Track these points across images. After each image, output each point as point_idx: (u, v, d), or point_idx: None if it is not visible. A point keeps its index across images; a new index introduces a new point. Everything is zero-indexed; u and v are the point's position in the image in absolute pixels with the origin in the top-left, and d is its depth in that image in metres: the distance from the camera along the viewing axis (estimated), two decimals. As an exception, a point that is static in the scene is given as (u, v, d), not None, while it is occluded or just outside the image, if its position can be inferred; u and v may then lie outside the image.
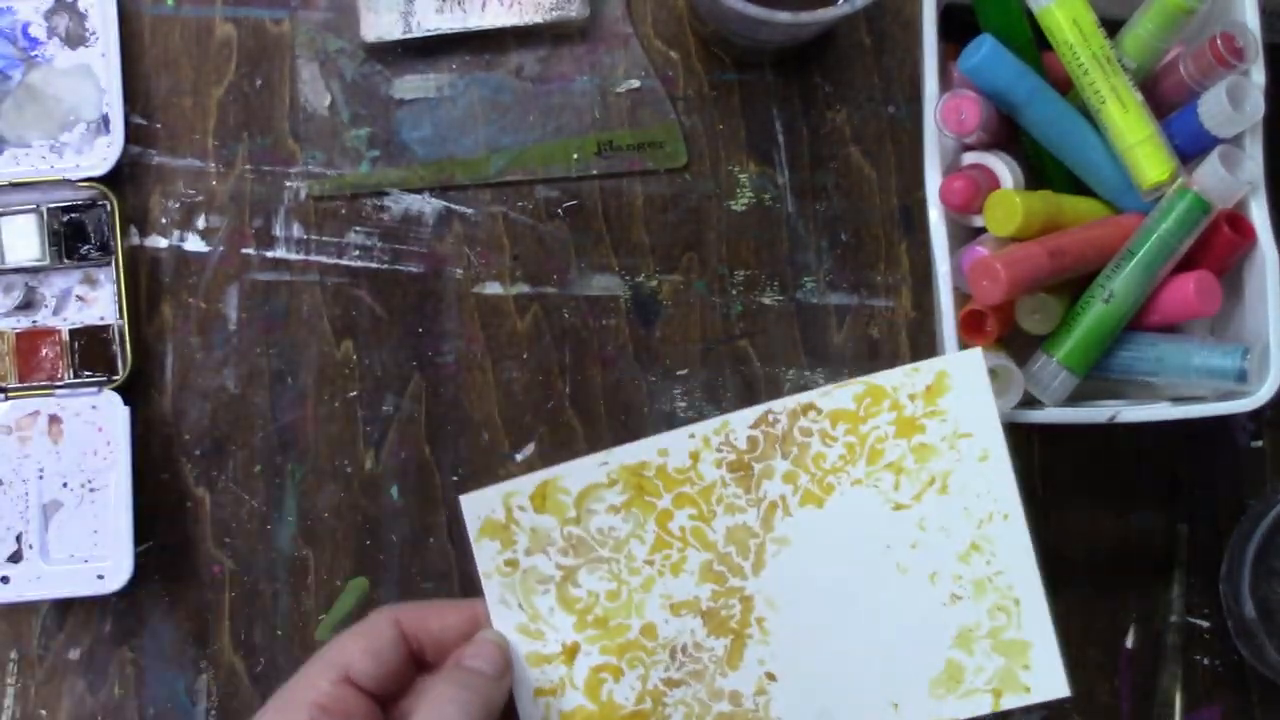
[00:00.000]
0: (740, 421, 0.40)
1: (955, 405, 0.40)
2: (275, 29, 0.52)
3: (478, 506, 0.41)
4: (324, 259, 0.52)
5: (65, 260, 0.51)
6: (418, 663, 0.41)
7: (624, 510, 0.40)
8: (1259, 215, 0.47)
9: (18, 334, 0.51)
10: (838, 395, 0.40)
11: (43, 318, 0.51)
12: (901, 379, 0.40)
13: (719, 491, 0.40)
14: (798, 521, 0.40)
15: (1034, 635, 0.39)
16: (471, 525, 0.41)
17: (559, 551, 0.40)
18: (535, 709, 0.40)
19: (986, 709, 0.39)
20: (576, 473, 0.41)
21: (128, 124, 0.50)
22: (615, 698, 0.40)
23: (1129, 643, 0.54)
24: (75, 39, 0.51)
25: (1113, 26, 0.47)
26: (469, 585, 0.53)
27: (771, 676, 0.40)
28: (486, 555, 0.41)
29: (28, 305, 0.51)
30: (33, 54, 0.51)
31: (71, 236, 0.51)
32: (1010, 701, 0.39)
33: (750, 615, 0.40)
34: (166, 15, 0.52)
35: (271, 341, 0.52)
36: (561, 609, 0.40)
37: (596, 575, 0.40)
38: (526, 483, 0.41)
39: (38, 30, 0.51)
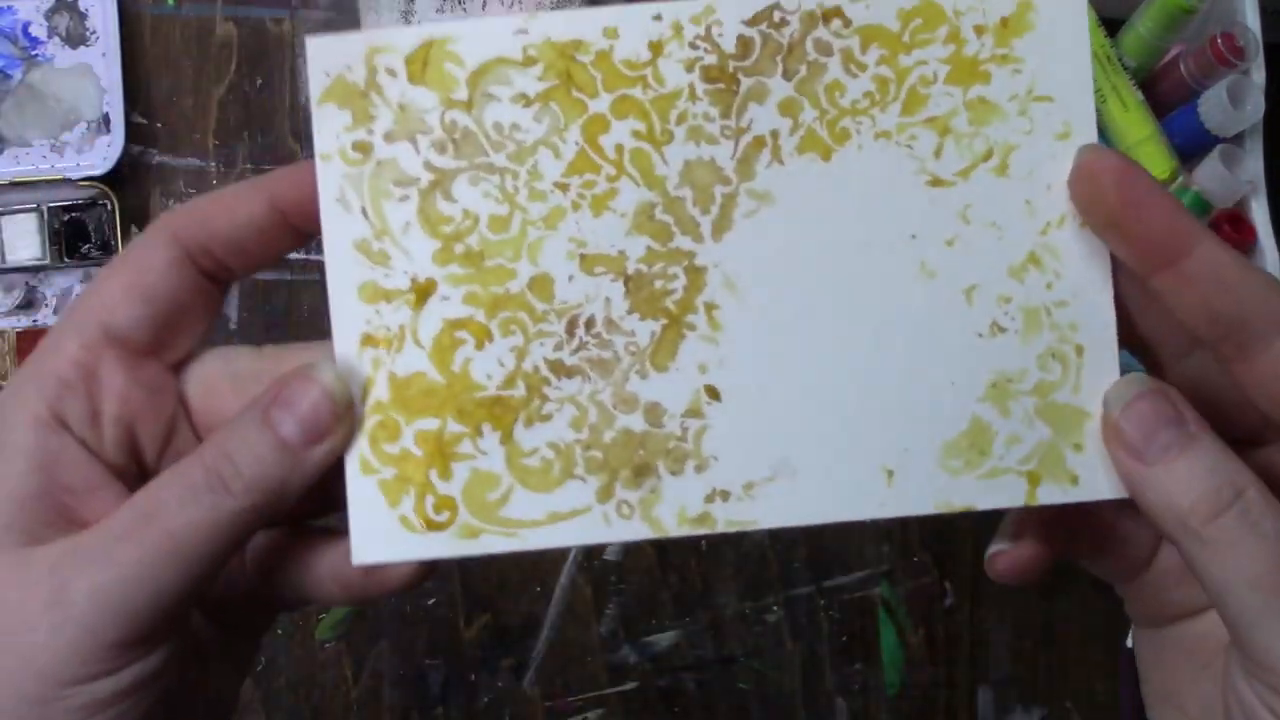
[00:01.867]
0: (733, 10, 0.28)
1: (1037, 54, 0.28)
2: (275, 29, 0.52)
3: (328, 56, 0.28)
4: (324, 259, 0.52)
5: (66, 259, 0.51)
6: (220, 276, 0.28)
7: (538, 103, 0.27)
8: (1259, 214, 0.47)
9: (18, 333, 0.51)
10: (876, 4, 0.28)
11: (43, 317, 0.51)
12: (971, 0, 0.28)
13: (683, 106, 0.28)
14: (790, 173, 0.28)
15: (1096, 404, 0.27)
16: (316, 83, 0.27)
17: (433, 145, 0.28)
18: (358, 362, 0.27)
19: (1016, 499, 0.27)
20: (478, 36, 0.28)
21: (128, 123, 0.50)
22: (472, 371, 0.27)
23: (1129, 642, 0.54)
24: (76, 38, 0.51)
25: (1113, 26, 0.47)
26: (470, 586, 0.53)
27: (713, 392, 0.28)
28: (329, 129, 0.27)
29: (28, 304, 0.51)
30: (33, 53, 0.51)
31: (72, 236, 0.51)
32: (1048, 494, 0.27)
33: (697, 296, 0.28)
34: (167, 15, 0.52)
35: (271, 341, 0.52)
36: (422, 227, 0.28)
37: (481, 189, 0.28)
38: (404, 37, 0.28)
39: (38, 30, 0.51)
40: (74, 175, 0.50)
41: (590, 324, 0.28)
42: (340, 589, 0.28)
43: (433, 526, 0.27)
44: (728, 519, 0.27)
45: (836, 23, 0.28)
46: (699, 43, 0.28)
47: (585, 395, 0.28)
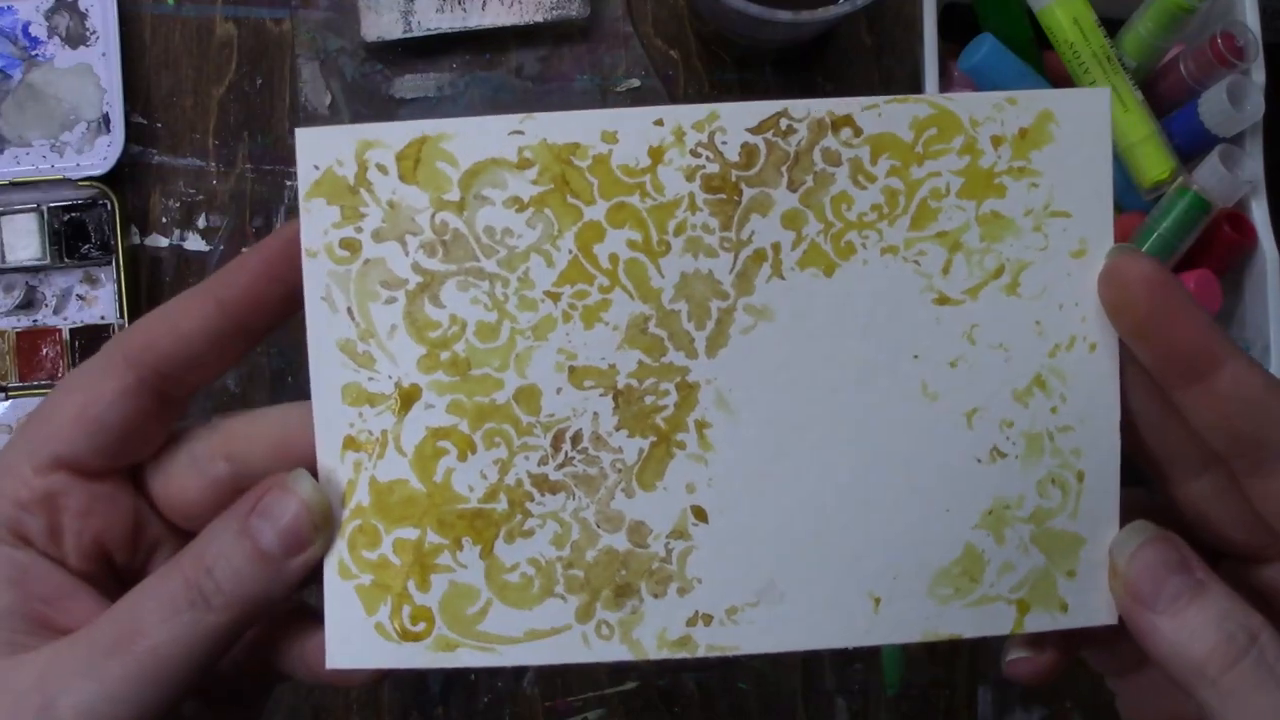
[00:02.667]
0: (736, 118, 0.27)
1: (1056, 167, 0.27)
2: (275, 28, 0.52)
3: (318, 149, 0.27)
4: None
5: (66, 259, 0.51)
6: (177, 392, 0.27)
7: (532, 208, 0.27)
8: (1259, 214, 0.47)
9: (18, 333, 0.51)
10: (889, 113, 0.27)
11: (43, 317, 0.51)
12: (989, 109, 0.27)
13: (682, 216, 0.27)
14: (790, 288, 0.27)
15: (1093, 530, 0.26)
16: (304, 176, 0.27)
17: (423, 246, 0.27)
18: (340, 465, 0.27)
19: (1003, 628, 0.27)
20: (473, 134, 0.27)
21: (128, 123, 0.50)
22: (454, 482, 0.27)
23: (1129, 642, 0.54)
24: (76, 38, 0.51)
25: (1113, 26, 0.47)
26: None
27: (701, 514, 0.27)
28: (317, 224, 0.27)
29: (28, 304, 0.51)
30: (33, 53, 0.51)
31: (72, 236, 0.51)
32: (1035, 622, 0.27)
33: (689, 414, 0.27)
34: (167, 15, 0.52)
35: (272, 341, 0.52)
36: (408, 331, 0.27)
37: (470, 295, 0.27)
38: (396, 132, 0.27)
39: (38, 30, 0.51)
40: (74, 175, 0.50)
41: (577, 439, 0.27)
42: (309, 675, 0.28)
43: (408, 637, 0.27)
44: (709, 644, 0.27)
45: (846, 131, 0.27)
46: (701, 150, 0.27)
47: (569, 512, 0.27)
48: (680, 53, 0.53)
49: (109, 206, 0.50)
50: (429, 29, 0.51)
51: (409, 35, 0.51)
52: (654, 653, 0.27)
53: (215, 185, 0.52)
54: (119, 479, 0.27)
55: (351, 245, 0.27)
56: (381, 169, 0.27)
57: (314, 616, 0.28)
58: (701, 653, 0.27)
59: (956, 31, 0.48)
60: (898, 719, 0.53)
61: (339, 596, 0.27)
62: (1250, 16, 0.47)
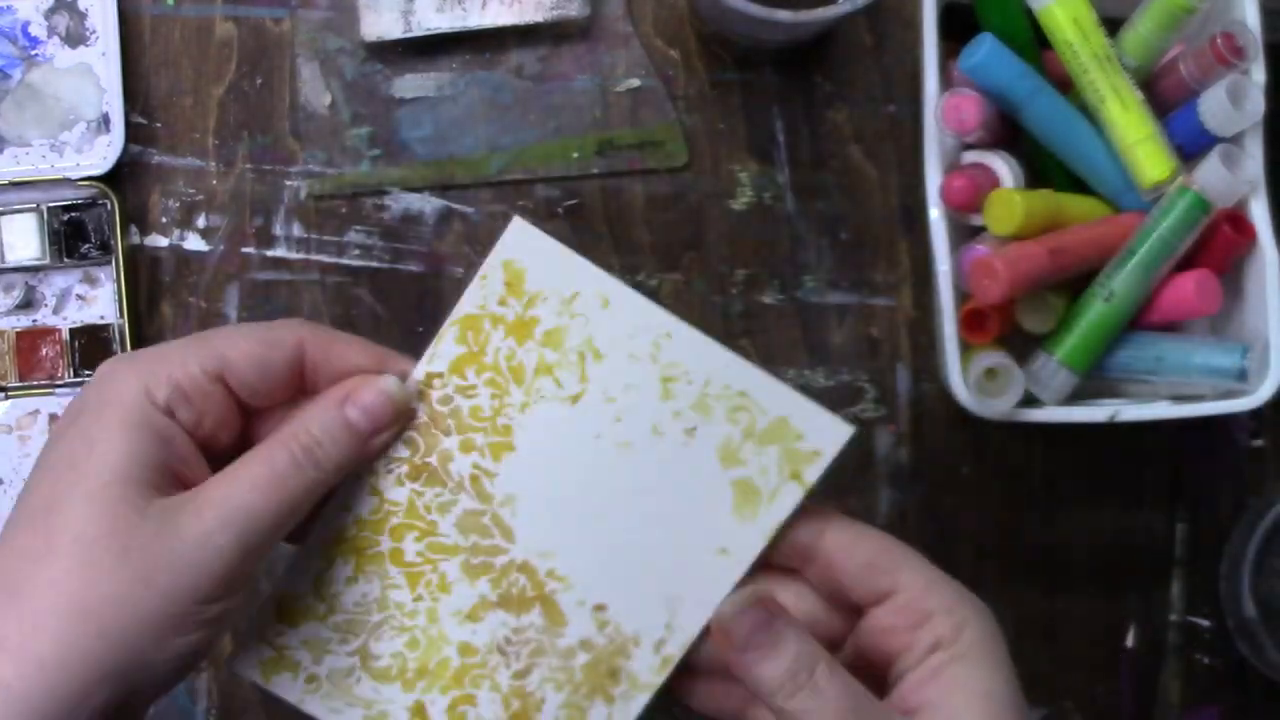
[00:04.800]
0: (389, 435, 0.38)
1: (542, 280, 0.37)
2: (275, 28, 0.52)
3: (248, 666, 0.38)
4: (324, 258, 0.52)
5: (65, 259, 0.51)
6: (303, 388, 0.37)
7: (360, 576, 0.38)
8: (1259, 214, 0.47)
9: (18, 333, 0.51)
10: (443, 349, 0.37)
11: (43, 317, 0.51)
12: (480, 295, 0.37)
13: (422, 503, 0.38)
14: (507, 475, 0.37)
15: (782, 407, 0.36)
16: (256, 677, 0.38)
17: (340, 643, 0.38)
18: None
19: (798, 494, 0.36)
20: (298, 578, 0.38)
21: (128, 123, 0.50)
22: (485, 717, 0.38)
23: (1129, 642, 0.54)
24: (75, 38, 0.51)
25: (1113, 25, 0.47)
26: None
27: (600, 607, 0.37)
28: (288, 691, 0.38)
29: (28, 304, 0.51)
30: (33, 53, 0.51)
31: (72, 235, 0.51)
32: (811, 473, 0.36)
33: (537, 575, 0.37)
34: (166, 14, 0.52)
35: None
36: (381, 684, 0.38)
37: (386, 638, 0.38)
38: (263, 613, 0.38)
39: (38, 29, 0.51)
40: (74, 175, 0.50)
41: (508, 641, 0.38)
42: None
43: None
44: None
45: (436, 381, 0.38)
46: (392, 466, 0.38)
47: (546, 671, 0.38)
48: (680, 52, 0.53)
49: (109, 206, 0.50)
50: (429, 29, 0.51)
51: (409, 35, 0.51)
52: None
53: (215, 185, 0.52)
54: (236, 416, 0.36)
55: (313, 680, 0.38)
56: (280, 634, 0.38)
57: None
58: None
59: (956, 31, 0.48)
60: (897, 719, 0.53)
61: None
62: (1250, 16, 0.47)
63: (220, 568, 0.32)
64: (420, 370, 0.37)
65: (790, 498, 0.36)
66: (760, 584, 0.36)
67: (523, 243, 0.37)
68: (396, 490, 0.37)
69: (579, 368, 0.37)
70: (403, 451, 0.37)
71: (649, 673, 0.37)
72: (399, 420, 0.36)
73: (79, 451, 0.33)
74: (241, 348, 0.35)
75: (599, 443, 0.37)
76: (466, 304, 0.37)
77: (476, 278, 0.37)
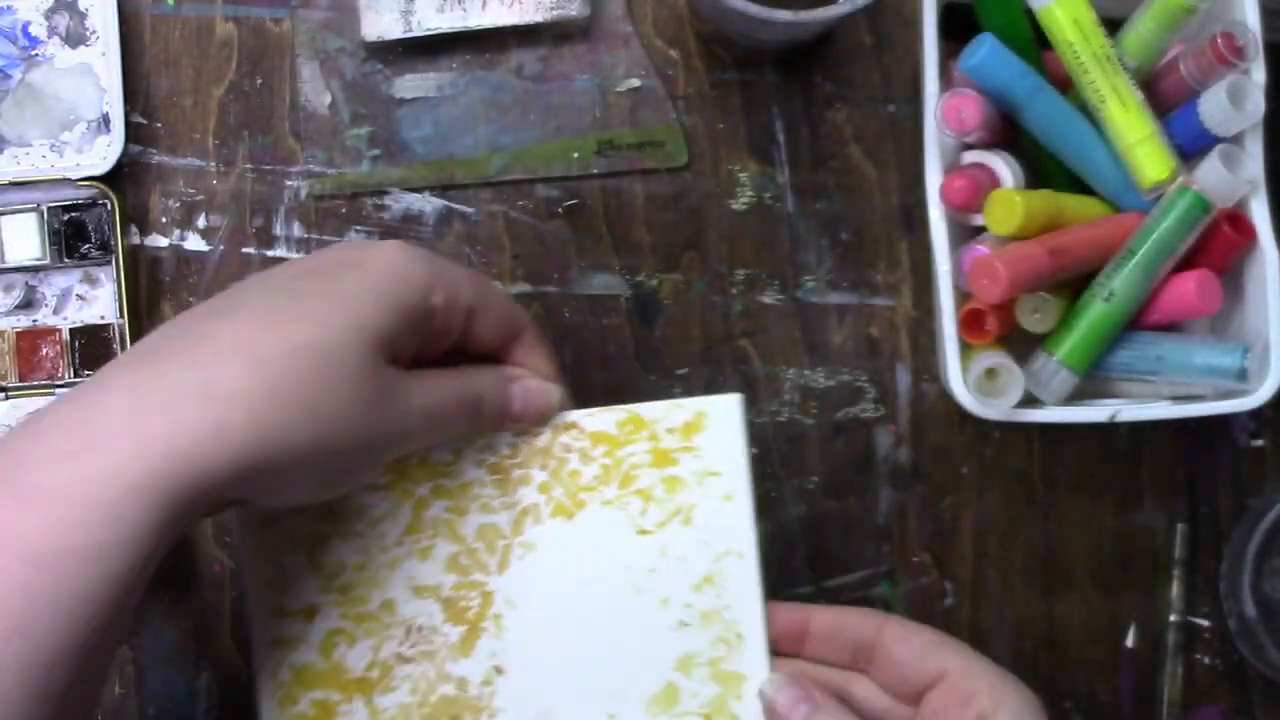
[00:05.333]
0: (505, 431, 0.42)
1: (708, 444, 0.42)
2: (275, 28, 0.52)
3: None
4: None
5: (65, 259, 0.51)
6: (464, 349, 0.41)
7: (383, 491, 0.41)
8: (1259, 214, 0.47)
9: (18, 333, 0.51)
10: (601, 418, 0.42)
11: (43, 317, 0.51)
12: (662, 413, 0.42)
13: (476, 490, 0.42)
14: (546, 530, 0.42)
15: (750, 670, 0.41)
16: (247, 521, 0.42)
17: (317, 517, 0.41)
18: (271, 657, 0.41)
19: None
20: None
21: (128, 123, 0.50)
22: (346, 661, 0.41)
23: (1129, 642, 0.54)
24: (75, 38, 0.51)
25: (1113, 25, 0.47)
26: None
27: (499, 670, 0.41)
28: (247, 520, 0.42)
29: (28, 304, 0.51)
30: (33, 53, 0.51)
31: (72, 235, 0.51)
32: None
33: (489, 610, 0.41)
34: (167, 14, 0.52)
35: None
36: (310, 571, 0.41)
37: (349, 546, 0.41)
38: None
39: (38, 29, 0.51)
40: (74, 175, 0.50)
41: (420, 630, 0.41)
42: None
43: None
44: None
45: (574, 431, 0.42)
46: (485, 449, 0.42)
47: (419, 674, 0.41)
48: (680, 52, 0.53)
49: (109, 206, 0.50)
50: (429, 29, 0.51)
51: (409, 35, 0.51)
52: None
53: (215, 185, 0.52)
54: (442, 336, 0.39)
55: (269, 522, 0.41)
56: None
57: None
58: None
59: (957, 31, 0.48)
60: (898, 719, 0.53)
61: None
62: (1250, 16, 0.47)
63: (401, 447, 0.37)
64: (574, 413, 0.42)
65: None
66: (834, 675, 0.42)
67: (726, 416, 0.42)
68: (472, 466, 0.42)
69: (666, 516, 0.42)
70: (503, 449, 0.42)
71: None
72: (538, 421, 0.41)
73: (354, 290, 0.36)
74: (498, 303, 0.39)
75: (624, 572, 0.42)
76: (648, 408, 0.42)
77: (672, 401, 0.42)
